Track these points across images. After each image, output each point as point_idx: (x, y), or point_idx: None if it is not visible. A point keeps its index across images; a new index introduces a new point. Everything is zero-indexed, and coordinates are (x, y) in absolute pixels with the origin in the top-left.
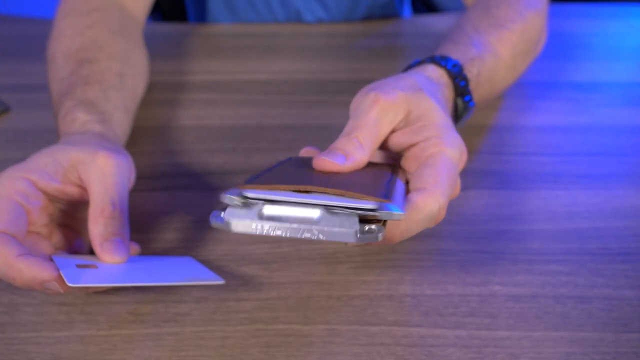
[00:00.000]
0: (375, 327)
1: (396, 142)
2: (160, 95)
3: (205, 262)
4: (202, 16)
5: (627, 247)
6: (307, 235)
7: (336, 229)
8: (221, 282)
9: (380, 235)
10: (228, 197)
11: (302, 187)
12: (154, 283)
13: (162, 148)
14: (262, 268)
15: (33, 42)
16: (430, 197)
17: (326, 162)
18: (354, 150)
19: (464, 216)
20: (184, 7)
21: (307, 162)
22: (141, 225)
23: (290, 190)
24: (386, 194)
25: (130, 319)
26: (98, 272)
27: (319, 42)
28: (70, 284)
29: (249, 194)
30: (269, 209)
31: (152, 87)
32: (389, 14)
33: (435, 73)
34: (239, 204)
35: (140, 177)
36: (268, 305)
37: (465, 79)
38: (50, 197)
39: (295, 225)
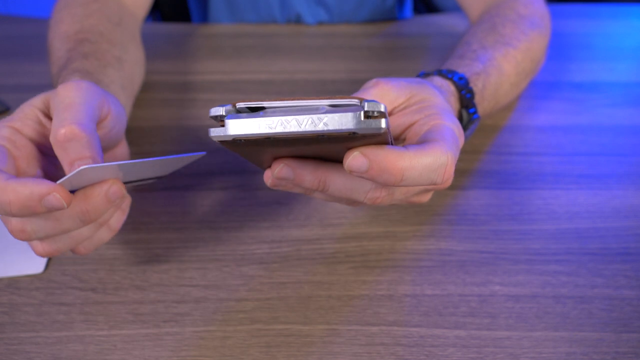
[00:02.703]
0: (375, 327)
1: (394, 123)
2: (160, 95)
3: (205, 262)
4: (204, 17)
5: (627, 247)
6: (310, 126)
7: (339, 115)
8: (203, 153)
9: (383, 122)
10: (215, 109)
11: (290, 98)
12: (145, 160)
13: (162, 148)
14: (262, 268)
15: (33, 42)
16: (440, 146)
17: None
18: None
19: (464, 216)
20: (186, 8)
21: None
22: (141, 225)
23: (278, 100)
24: None
25: (130, 319)
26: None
27: (319, 42)
28: (83, 167)
29: (240, 105)
30: (271, 107)
31: (152, 87)
32: (390, 18)
33: (442, 83)
34: (224, 114)
35: None
36: (268, 305)
37: (471, 91)
38: (41, 148)
39: (298, 116)
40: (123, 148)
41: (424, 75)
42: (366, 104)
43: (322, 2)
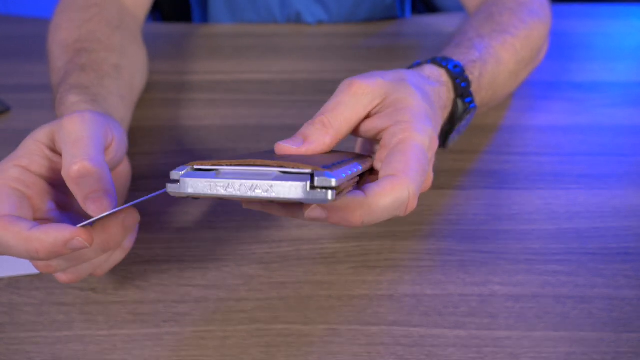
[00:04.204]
0: (375, 327)
1: (368, 126)
2: (160, 95)
3: (205, 262)
4: (205, 16)
5: (627, 247)
6: (258, 192)
7: (287, 184)
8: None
9: (330, 194)
10: (174, 173)
11: (243, 161)
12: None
13: (162, 148)
14: (262, 268)
15: (33, 42)
16: (399, 184)
17: (284, 147)
18: (315, 133)
19: (464, 216)
20: (186, 8)
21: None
22: (141, 225)
23: (233, 164)
24: (327, 167)
25: (130, 319)
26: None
27: (319, 42)
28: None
29: (196, 167)
30: (224, 169)
31: (152, 87)
32: (390, 16)
33: (434, 72)
34: (177, 179)
35: (141, 177)
36: (268, 305)
37: (466, 80)
38: (50, 181)
39: (247, 182)
40: (125, 165)
41: (417, 65)
42: (316, 179)
43: (321, 0)
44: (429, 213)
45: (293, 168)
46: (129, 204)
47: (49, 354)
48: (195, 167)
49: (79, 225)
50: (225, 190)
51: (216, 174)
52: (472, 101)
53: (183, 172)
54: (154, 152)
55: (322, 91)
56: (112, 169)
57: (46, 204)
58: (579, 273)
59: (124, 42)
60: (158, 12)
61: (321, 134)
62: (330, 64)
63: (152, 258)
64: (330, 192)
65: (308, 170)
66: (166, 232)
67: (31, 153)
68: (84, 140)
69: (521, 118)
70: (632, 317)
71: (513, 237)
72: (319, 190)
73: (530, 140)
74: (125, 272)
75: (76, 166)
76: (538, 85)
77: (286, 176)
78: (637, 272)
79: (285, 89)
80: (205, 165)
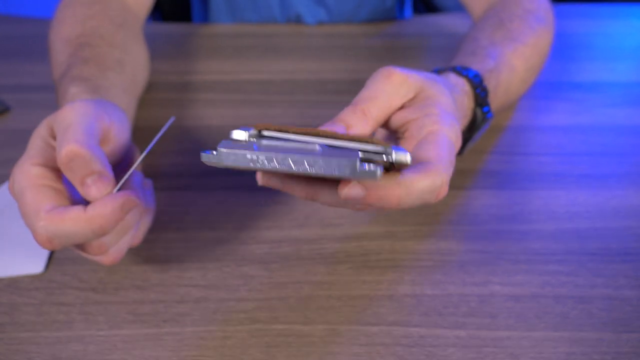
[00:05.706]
0: (375, 327)
1: (398, 117)
2: (160, 95)
3: (205, 262)
4: (205, 16)
5: (627, 247)
6: (304, 167)
7: (335, 160)
8: (172, 119)
9: (379, 171)
10: (237, 133)
11: (312, 130)
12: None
13: (162, 148)
14: (262, 268)
15: (33, 42)
16: (435, 169)
17: (328, 131)
18: (357, 122)
19: (464, 216)
20: (186, 8)
21: None
22: None
23: (302, 132)
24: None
25: (130, 319)
26: None
27: (319, 42)
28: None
29: (265, 133)
30: (267, 140)
31: (152, 87)
32: (390, 17)
33: (458, 82)
34: (246, 140)
35: None
36: (268, 305)
37: (485, 89)
38: None
39: (292, 156)
40: (131, 150)
41: (438, 71)
42: (395, 153)
43: (322, 2)
44: (429, 213)
45: (369, 144)
46: (145, 153)
47: (49, 354)
48: (262, 132)
49: (119, 185)
50: (270, 164)
51: (256, 146)
52: (489, 110)
53: (249, 139)
54: (154, 152)
55: (322, 91)
56: (117, 153)
57: (75, 192)
58: (578, 273)
59: (127, 40)
60: (158, 12)
61: (362, 122)
62: (330, 64)
63: (152, 258)
64: (379, 170)
65: (380, 148)
66: (166, 232)
67: (41, 149)
68: (73, 126)
69: (522, 118)
70: (632, 317)
71: (513, 237)
72: (368, 169)
73: (531, 140)
74: (125, 272)
75: (63, 150)
76: (539, 86)
77: (335, 152)
78: (637, 272)
79: (285, 89)
80: (272, 132)
